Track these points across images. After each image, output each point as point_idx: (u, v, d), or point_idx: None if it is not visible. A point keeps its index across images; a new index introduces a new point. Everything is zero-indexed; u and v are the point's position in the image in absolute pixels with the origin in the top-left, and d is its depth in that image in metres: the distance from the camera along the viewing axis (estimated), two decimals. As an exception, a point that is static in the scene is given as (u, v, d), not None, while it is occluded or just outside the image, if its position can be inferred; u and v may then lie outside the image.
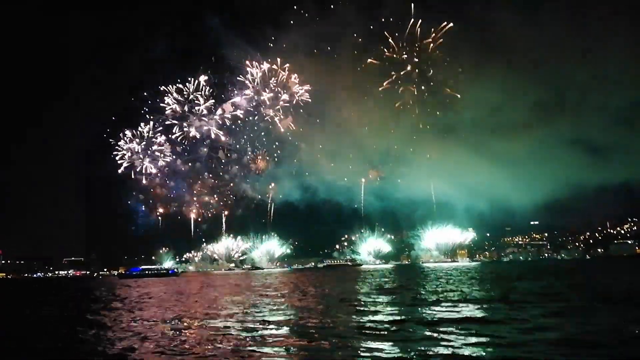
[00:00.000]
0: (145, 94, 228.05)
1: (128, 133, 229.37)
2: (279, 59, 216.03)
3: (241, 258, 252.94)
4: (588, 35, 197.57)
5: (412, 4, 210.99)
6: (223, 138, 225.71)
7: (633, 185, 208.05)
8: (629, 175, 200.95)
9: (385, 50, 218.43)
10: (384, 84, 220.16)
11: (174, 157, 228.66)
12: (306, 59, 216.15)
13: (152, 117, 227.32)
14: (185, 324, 26.23)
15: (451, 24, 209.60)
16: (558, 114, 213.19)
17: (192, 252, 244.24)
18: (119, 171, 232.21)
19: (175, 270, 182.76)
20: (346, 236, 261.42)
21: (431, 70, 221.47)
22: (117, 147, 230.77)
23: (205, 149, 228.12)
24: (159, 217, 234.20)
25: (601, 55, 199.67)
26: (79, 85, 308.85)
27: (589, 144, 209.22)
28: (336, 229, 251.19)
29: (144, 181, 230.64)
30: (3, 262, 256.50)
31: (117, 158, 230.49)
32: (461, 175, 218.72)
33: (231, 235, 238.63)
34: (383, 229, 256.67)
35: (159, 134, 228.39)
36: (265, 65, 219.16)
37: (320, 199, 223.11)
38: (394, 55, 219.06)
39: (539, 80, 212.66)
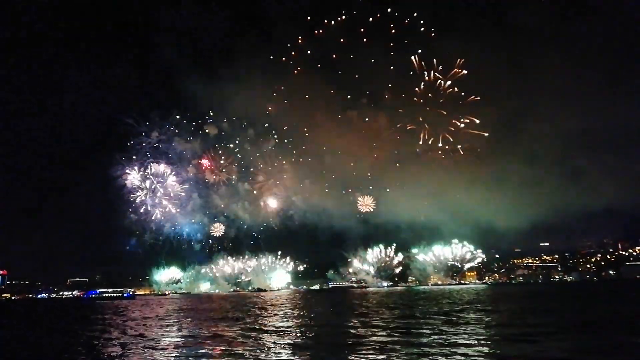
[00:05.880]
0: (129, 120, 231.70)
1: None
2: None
3: (242, 280, 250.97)
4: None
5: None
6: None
7: (617, 209, 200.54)
8: (602, 201, 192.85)
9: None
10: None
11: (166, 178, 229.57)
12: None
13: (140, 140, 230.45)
14: None
15: None
16: (516, 138, 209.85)
17: (187, 272, 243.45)
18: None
19: (131, 293, 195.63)
20: (349, 259, 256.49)
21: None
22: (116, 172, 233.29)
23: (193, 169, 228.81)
24: (158, 238, 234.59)
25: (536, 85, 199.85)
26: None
27: (557, 167, 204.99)
28: (329, 251, 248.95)
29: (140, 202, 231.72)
30: (8, 282, 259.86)
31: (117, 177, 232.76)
32: (443, 197, 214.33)
33: (226, 255, 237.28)
34: (380, 250, 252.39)
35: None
36: None
37: (308, 222, 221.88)
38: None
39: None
